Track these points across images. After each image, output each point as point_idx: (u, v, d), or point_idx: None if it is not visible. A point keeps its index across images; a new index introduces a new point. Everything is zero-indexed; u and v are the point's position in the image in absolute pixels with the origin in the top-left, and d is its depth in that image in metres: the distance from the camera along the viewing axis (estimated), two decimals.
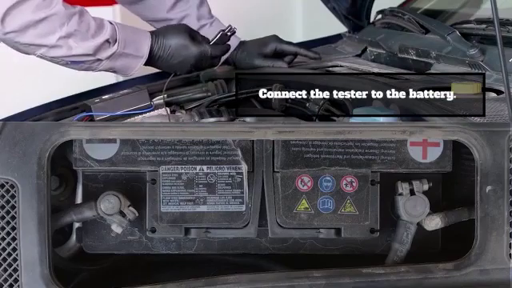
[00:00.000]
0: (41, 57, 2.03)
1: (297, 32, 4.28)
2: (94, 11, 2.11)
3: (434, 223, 1.74)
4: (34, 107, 2.28)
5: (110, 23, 2.07)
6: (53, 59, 2.04)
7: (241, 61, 2.38)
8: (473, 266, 1.67)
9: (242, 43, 2.40)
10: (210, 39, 2.20)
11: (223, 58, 2.30)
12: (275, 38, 2.40)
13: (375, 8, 2.70)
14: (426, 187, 1.76)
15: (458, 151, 1.83)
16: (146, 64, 2.17)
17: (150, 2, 2.37)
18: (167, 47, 2.13)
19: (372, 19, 2.70)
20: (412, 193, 1.76)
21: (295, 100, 2.20)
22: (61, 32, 1.98)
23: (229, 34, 2.22)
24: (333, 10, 2.74)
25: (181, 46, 2.14)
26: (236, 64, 2.40)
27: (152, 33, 2.16)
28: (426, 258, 1.72)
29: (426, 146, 1.82)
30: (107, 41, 2.04)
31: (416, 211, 1.74)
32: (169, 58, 2.14)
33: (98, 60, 2.06)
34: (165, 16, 2.35)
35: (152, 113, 2.25)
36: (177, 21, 2.35)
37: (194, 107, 2.32)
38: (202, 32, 2.23)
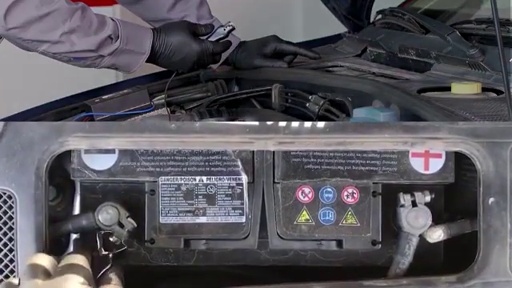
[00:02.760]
0: (43, 53, 2.04)
1: (297, 32, 4.28)
2: (94, 11, 2.11)
3: (437, 235, 1.73)
4: (34, 107, 2.27)
5: (112, 20, 2.07)
6: (55, 55, 2.05)
7: (240, 61, 2.38)
8: (476, 279, 1.65)
9: (241, 43, 2.40)
10: (211, 36, 2.20)
11: (224, 55, 2.29)
12: (275, 38, 2.40)
13: (375, 8, 2.70)
14: (428, 199, 1.74)
15: (459, 162, 1.82)
16: (148, 61, 2.17)
17: (150, 2, 2.37)
18: (169, 44, 2.14)
19: (372, 19, 2.70)
20: (414, 204, 1.74)
21: (295, 100, 2.19)
22: (64, 28, 2.00)
23: (228, 28, 2.22)
24: (333, 10, 2.74)
25: (182, 43, 2.15)
26: (236, 64, 2.40)
27: (154, 30, 2.17)
28: (428, 271, 1.70)
29: (428, 157, 1.80)
30: (109, 37, 2.06)
31: (418, 223, 1.72)
32: (170, 55, 2.15)
33: (101, 56, 2.07)
34: (165, 16, 2.36)
35: (152, 113, 2.25)
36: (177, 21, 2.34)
37: (194, 107, 2.31)
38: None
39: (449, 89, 1.98)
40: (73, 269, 1.57)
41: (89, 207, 1.80)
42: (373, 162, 1.80)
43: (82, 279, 1.52)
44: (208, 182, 1.81)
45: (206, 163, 1.81)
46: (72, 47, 2.03)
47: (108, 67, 2.13)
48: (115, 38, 2.07)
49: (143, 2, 2.38)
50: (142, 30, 2.16)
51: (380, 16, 2.65)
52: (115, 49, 2.08)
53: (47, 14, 1.98)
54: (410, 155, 1.80)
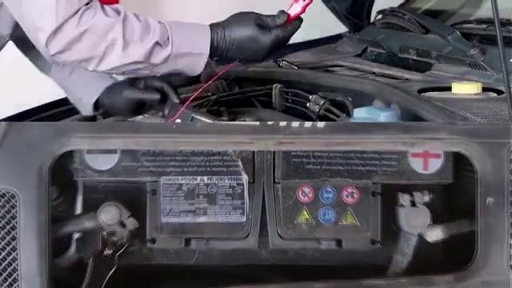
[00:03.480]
0: (95, 71, 1.87)
1: (297, 32, 4.26)
2: None
3: (436, 235, 1.74)
4: (34, 107, 2.27)
5: (160, 23, 1.89)
6: (110, 72, 1.89)
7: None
8: (474, 278, 1.66)
9: None
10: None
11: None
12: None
13: (375, 8, 2.70)
14: (427, 198, 1.76)
15: (458, 162, 1.83)
16: (213, 57, 1.99)
17: None
18: (233, 41, 1.95)
19: (372, 19, 2.70)
20: (413, 204, 1.75)
21: (295, 100, 2.20)
22: (106, 41, 1.83)
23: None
24: (333, 10, 2.73)
25: (249, 40, 1.92)
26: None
27: (212, 26, 1.97)
28: (427, 270, 1.71)
29: (427, 158, 1.82)
30: (157, 43, 1.87)
31: (417, 222, 1.74)
32: (238, 52, 1.94)
33: (153, 65, 1.89)
34: None
35: None
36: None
37: (194, 107, 2.31)
38: None
39: (449, 89, 1.98)
40: None
41: (91, 207, 1.80)
42: (372, 162, 1.81)
43: None
44: (209, 181, 1.82)
45: (207, 163, 1.82)
46: (120, 61, 1.86)
47: (170, 74, 1.95)
48: (164, 43, 1.89)
49: None
50: (198, 28, 1.96)
51: (380, 16, 2.65)
52: (168, 55, 1.89)
53: (85, 30, 1.81)
54: (409, 155, 1.81)
